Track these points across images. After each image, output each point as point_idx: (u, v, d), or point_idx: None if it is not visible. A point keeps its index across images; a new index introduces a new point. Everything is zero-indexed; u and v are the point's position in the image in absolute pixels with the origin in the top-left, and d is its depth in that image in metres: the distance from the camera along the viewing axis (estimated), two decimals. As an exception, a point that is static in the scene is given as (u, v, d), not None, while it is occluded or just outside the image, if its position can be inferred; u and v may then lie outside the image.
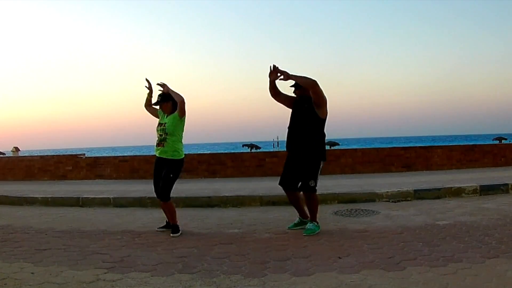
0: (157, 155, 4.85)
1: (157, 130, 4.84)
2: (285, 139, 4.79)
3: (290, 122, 4.70)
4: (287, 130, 4.74)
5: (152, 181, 4.95)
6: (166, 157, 4.76)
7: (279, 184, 4.79)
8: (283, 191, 4.86)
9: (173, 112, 4.79)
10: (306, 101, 4.55)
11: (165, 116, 4.85)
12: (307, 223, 4.68)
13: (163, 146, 4.76)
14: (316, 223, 4.65)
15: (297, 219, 4.87)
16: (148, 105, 5.06)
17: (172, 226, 4.76)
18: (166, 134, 4.74)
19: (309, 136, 4.56)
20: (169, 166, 4.75)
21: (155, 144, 4.86)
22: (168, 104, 4.81)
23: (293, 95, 4.74)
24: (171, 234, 4.66)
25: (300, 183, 4.64)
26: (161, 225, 4.99)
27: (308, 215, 4.75)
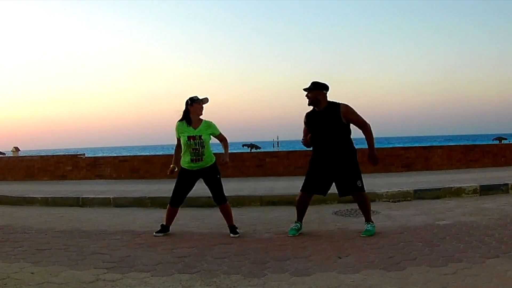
0: (193, 169, 4.66)
1: (190, 145, 4.55)
2: (308, 145, 4.60)
3: (316, 132, 4.52)
4: (313, 139, 4.53)
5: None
6: (206, 166, 4.67)
7: (306, 191, 4.59)
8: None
9: (202, 120, 4.68)
10: (329, 112, 4.43)
11: (193, 128, 4.62)
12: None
13: (201, 160, 4.62)
14: (372, 223, 4.50)
15: (298, 224, 4.63)
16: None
17: (230, 227, 4.65)
18: (203, 147, 4.60)
19: (345, 140, 4.50)
20: (212, 170, 4.69)
21: (189, 159, 4.61)
22: (202, 106, 4.70)
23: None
24: (231, 235, 4.55)
25: (346, 187, 4.49)
26: (158, 229, 4.75)
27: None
